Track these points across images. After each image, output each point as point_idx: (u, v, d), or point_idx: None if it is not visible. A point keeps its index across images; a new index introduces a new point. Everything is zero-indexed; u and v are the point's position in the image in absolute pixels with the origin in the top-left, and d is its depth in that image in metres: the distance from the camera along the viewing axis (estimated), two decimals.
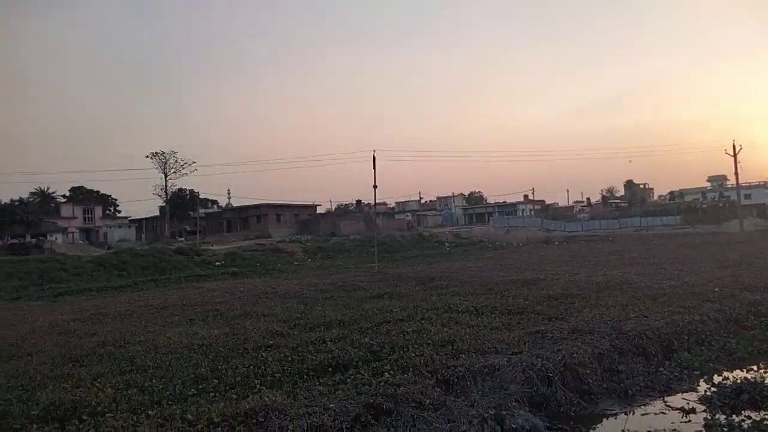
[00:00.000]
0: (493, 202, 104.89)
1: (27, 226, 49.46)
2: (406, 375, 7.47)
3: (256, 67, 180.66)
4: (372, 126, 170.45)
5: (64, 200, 77.40)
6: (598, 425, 7.22)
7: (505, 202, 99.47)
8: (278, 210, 67.52)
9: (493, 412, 6.60)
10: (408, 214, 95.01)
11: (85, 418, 6.56)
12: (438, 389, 7.18)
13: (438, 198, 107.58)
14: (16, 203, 49.98)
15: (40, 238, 50.73)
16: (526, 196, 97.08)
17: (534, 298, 14.46)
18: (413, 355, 8.47)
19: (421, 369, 7.76)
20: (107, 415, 6.59)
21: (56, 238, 54.82)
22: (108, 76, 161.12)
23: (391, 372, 7.69)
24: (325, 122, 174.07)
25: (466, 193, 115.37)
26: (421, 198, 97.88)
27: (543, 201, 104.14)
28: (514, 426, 6.49)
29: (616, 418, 7.36)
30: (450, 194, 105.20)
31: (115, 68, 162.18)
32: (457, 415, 6.43)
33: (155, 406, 6.93)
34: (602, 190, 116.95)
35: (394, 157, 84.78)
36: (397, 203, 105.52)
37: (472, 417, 6.44)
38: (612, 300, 13.30)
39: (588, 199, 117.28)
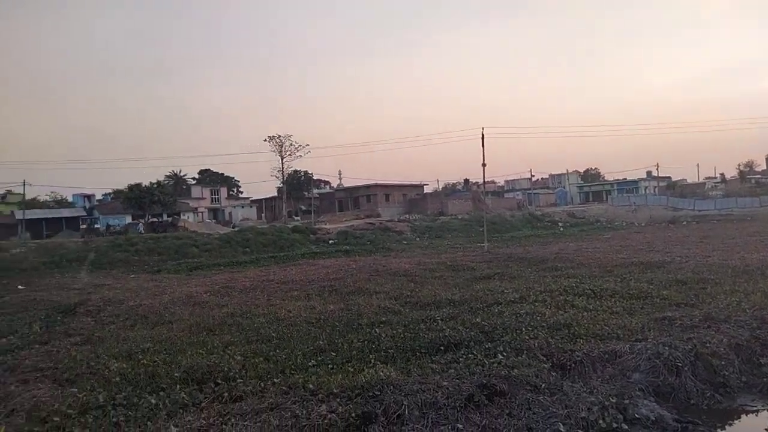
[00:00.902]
0: (611, 179, 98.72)
1: (164, 206, 54.61)
2: (520, 357, 7.36)
3: (362, 48, 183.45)
4: (481, 102, 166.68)
5: (194, 182, 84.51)
6: (736, 421, 6.61)
7: (625, 179, 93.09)
8: (387, 190, 68.60)
9: (614, 400, 6.31)
10: (518, 192, 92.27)
11: (219, 382, 7.22)
12: (554, 373, 6.99)
13: (551, 175, 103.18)
14: (155, 185, 55.09)
15: (175, 217, 55.83)
16: (649, 172, 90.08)
17: (659, 281, 13.52)
18: (527, 337, 8.31)
19: (535, 352, 7.60)
20: (238, 380, 7.21)
21: (188, 217, 60.03)
22: (227, 67, 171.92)
23: (505, 354, 7.62)
24: (433, 101, 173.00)
25: (582, 170, 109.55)
26: (532, 176, 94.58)
27: (669, 177, 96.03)
28: (637, 416, 6.16)
29: (757, 415, 6.71)
30: (564, 171, 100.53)
31: (235, 60, 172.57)
32: (574, 401, 6.22)
33: (279, 374, 7.44)
34: (739, 165, 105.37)
35: (504, 134, 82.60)
36: (507, 181, 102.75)
37: (591, 404, 6.20)
38: (752, 286, 12.07)
39: (722, 174, 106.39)
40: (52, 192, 77.72)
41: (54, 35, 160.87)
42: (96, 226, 52.26)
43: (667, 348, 7.48)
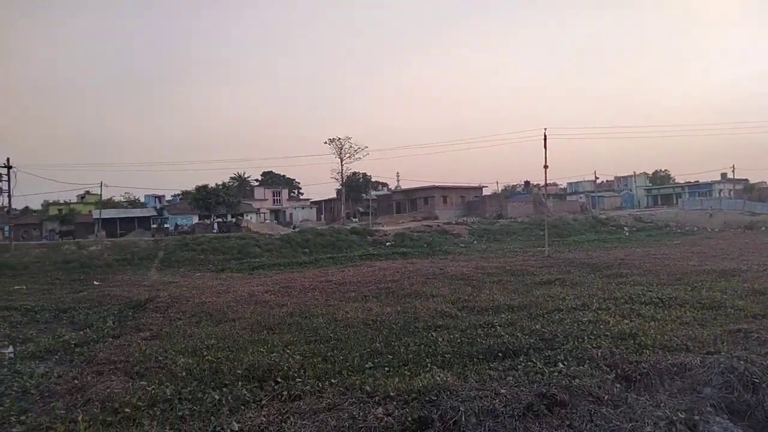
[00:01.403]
0: (682, 181, 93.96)
1: (228, 207, 56.58)
2: (582, 367, 7.12)
3: (421, 49, 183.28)
4: (543, 102, 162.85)
5: (257, 184, 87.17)
6: None
7: (697, 181, 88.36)
8: (445, 192, 68.16)
9: (683, 416, 5.98)
10: (581, 195, 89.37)
11: (279, 380, 7.40)
12: (618, 385, 6.72)
13: (616, 178, 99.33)
14: (220, 187, 57.17)
15: (239, 217, 57.78)
16: (724, 174, 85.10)
17: (734, 291, 12.76)
18: (589, 346, 8.05)
19: (598, 362, 7.34)
20: (297, 379, 7.37)
21: (251, 218, 62.02)
22: (290, 70, 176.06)
23: (566, 362, 7.40)
24: (494, 101, 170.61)
25: (650, 172, 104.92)
26: (596, 178, 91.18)
27: (746, 180, 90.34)
28: None
29: None
30: (630, 173, 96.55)
31: (297, 62, 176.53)
32: (640, 415, 5.95)
33: (337, 375, 7.54)
34: None
35: (568, 135, 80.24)
36: (570, 184, 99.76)
37: (657, 418, 5.91)
38: None
39: None
40: (126, 193, 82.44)
41: (127, 41, 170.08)
42: (165, 225, 54.85)
43: (742, 362, 7.04)
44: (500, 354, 8.22)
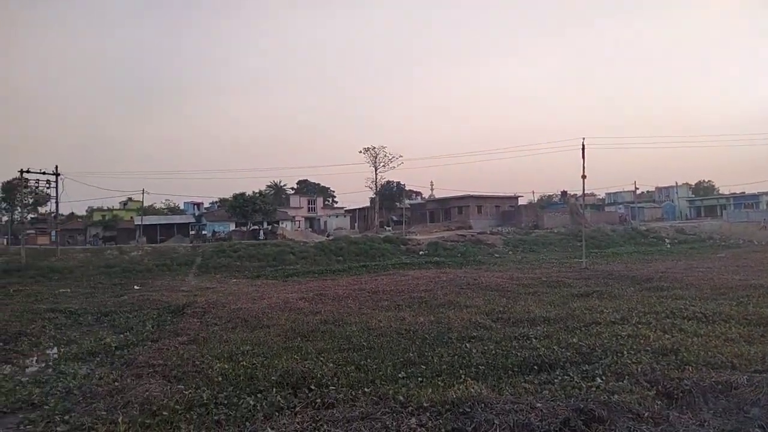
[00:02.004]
0: (727, 192, 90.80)
1: (264, 215, 57.48)
2: (621, 383, 6.93)
3: (454, 58, 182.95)
4: (581, 112, 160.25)
5: (293, 192, 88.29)
6: None
7: (743, 192, 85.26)
8: (479, 201, 67.55)
9: None
10: (620, 206, 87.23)
11: (313, 387, 7.44)
12: (659, 402, 6.50)
13: (657, 188, 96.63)
14: (257, 195, 58.17)
15: (274, 225, 58.58)
16: None
17: None
18: (629, 361, 7.83)
19: (638, 377, 7.13)
20: (330, 387, 7.39)
21: (286, 226, 62.77)
22: (324, 79, 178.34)
23: (604, 377, 7.22)
24: (530, 109, 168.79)
25: (693, 183, 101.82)
26: (636, 188, 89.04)
27: None
28: None
29: None
30: (672, 183, 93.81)
31: (331, 72, 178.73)
32: None
33: (370, 384, 7.54)
34: None
35: (607, 144, 78.52)
36: (608, 194, 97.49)
37: None
38: None
39: None
40: (166, 200, 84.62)
41: (166, 48, 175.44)
42: (203, 232, 56.01)
43: None
44: (536, 367, 8.08)
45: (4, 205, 63.94)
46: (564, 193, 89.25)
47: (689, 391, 6.73)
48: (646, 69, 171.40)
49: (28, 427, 7.12)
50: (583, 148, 31.39)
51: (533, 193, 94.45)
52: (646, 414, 6.08)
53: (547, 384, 7.17)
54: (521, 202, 75.24)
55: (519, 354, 8.72)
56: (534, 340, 9.79)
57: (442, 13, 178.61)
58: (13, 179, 53.74)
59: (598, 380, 7.10)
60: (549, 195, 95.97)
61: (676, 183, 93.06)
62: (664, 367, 7.56)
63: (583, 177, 31.88)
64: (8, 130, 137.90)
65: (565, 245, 44.96)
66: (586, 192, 37.20)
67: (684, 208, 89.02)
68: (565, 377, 7.39)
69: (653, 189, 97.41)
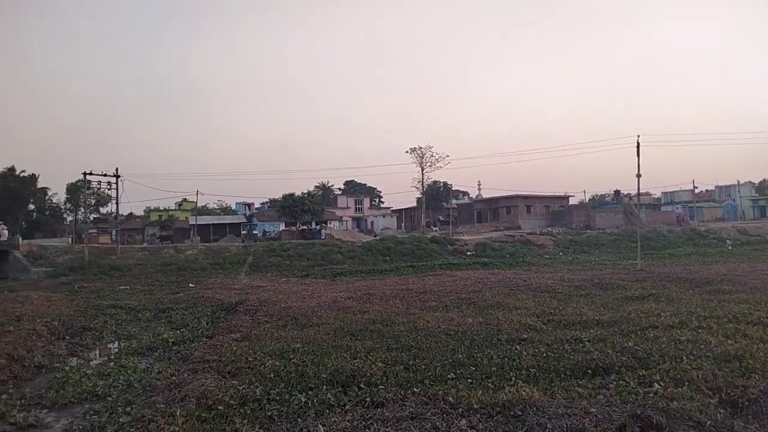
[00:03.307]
0: None
1: (313, 215, 58.33)
2: (680, 389, 6.67)
3: (501, 57, 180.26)
4: (636, 109, 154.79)
5: (340, 193, 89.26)
6: None
7: None
8: (528, 201, 66.27)
9: None
10: (678, 206, 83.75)
11: (362, 386, 7.50)
12: (722, 410, 6.23)
13: (717, 187, 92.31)
14: (306, 195, 59.09)
15: (322, 225, 59.34)
16: None
17: None
18: (689, 367, 7.53)
19: (699, 384, 6.85)
20: (379, 386, 7.43)
21: (333, 225, 63.53)
22: (371, 80, 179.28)
23: (662, 383, 6.97)
24: (581, 106, 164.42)
25: (756, 181, 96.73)
26: (695, 187, 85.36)
27: None
28: None
29: None
30: (734, 182, 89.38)
31: (378, 72, 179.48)
32: None
33: (419, 384, 7.54)
34: None
35: (663, 142, 75.33)
36: (664, 193, 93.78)
37: None
38: None
39: None
40: (219, 200, 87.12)
41: (220, 53, 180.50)
42: (254, 232, 57.30)
43: None
44: (589, 371, 7.87)
45: (68, 205, 67.52)
46: (617, 192, 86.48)
47: (755, 400, 6.42)
48: (705, 62, 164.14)
49: (93, 417, 7.49)
50: (638, 146, 30.36)
51: (584, 192, 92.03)
52: (708, 423, 5.83)
53: (601, 389, 6.98)
54: (572, 201, 73.42)
55: (571, 357, 8.52)
56: (587, 343, 9.55)
57: (488, 11, 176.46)
58: (77, 181, 56.69)
59: (656, 386, 6.86)
60: (601, 194, 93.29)
61: (738, 181, 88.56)
62: (727, 374, 7.22)
63: (638, 176, 30.83)
64: (73, 133, 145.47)
65: (619, 246, 43.59)
66: (641, 191, 35.87)
67: (747, 207, 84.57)
68: (621, 382, 7.18)
69: (713, 188, 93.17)
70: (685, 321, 11.14)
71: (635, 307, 13.70)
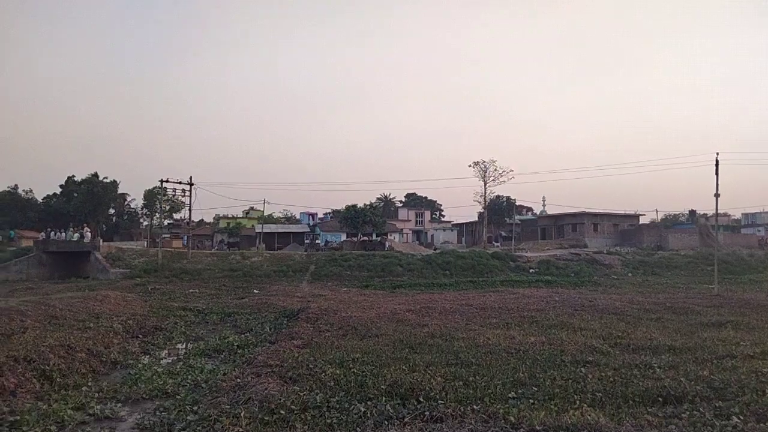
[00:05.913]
0: None
1: (374, 227, 58.81)
2: (762, 424, 6.24)
3: (565, 71, 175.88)
4: (713, 126, 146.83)
5: (401, 205, 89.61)
6: None
7: None
8: (595, 219, 64.02)
9: None
10: (760, 228, 78.60)
11: (422, 400, 7.48)
12: None
13: None
14: (368, 206, 59.72)
15: (383, 237, 59.72)
16: None
17: None
18: None
19: None
20: (438, 401, 7.38)
21: (394, 238, 63.79)
22: (434, 92, 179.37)
23: (741, 417, 6.53)
24: (653, 121, 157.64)
25: None
26: None
27: None
28: None
29: None
30: None
31: (443, 84, 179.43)
32: None
33: (478, 401, 7.42)
34: None
35: (744, 160, 70.86)
36: (744, 215, 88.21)
37: None
38: None
39: None
40: (284, 210, 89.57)
41: (286, 67, 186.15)
42: (317, 241, 58.41)
43: None
44: (660, 399, 7.50)
45: (145, 210, 71.31)
46: (692, 212, 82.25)
47: None
48: None
49: (162, 413, 7.87)
50: (717, 164, 28.76)
51: (656, 211, 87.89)
52: None
53: (673, 418, 6.63)
54: (642, 220, 70.33)
55: (641, 383, 8.15)
56: (658, 369, 9.10)
57: (552, 22, 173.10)
58: (154, 188, 59.82)
59: (735, 419, 6.44)
60: (674, 214, 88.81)
61: None
62: None
63: (717, 195, 29.14)
64: (152, 141, 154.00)
65: (693, 269, 41.31)
66: (719, 212, 33.88)
67: None
68: (695, 413, 6.79)
69: None
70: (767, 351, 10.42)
71: (711, 334, 12.93)
